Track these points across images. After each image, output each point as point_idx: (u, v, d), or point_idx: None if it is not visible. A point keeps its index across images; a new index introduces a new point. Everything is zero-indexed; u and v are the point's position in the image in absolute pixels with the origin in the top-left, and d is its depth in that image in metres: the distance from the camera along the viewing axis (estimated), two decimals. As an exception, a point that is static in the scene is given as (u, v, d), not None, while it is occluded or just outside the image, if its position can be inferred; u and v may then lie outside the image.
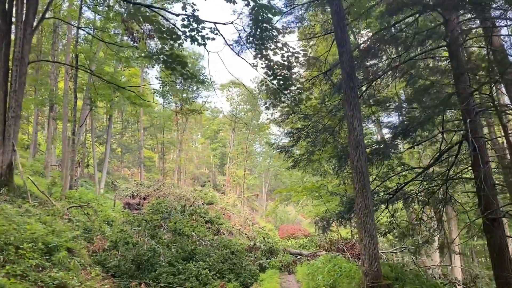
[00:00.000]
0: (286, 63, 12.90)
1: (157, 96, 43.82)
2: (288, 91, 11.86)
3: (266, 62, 12.25)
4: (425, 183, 13.55)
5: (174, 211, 22.98)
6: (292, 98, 11.74)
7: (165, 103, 56.67)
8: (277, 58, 12.96)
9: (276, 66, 11.88)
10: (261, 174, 67.98)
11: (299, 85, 12.33)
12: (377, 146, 11.85)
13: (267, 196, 67.04)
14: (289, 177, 55.10)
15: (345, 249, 19.94)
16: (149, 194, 34.68)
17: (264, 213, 59.13)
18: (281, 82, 11.78)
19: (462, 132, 12.42)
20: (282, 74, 11.74)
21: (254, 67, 12.75)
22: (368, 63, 12.70)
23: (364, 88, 13.50)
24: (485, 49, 12.78)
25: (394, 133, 11.72)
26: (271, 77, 11.88)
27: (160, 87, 32.74)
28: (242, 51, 13.09)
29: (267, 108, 13.75)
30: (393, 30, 12.66)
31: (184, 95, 49.58)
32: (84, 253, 14.29)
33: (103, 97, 26.83)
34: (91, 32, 24.84)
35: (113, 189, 38.79)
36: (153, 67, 39.75)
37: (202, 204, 36.52)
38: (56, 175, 27.23)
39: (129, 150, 44.35)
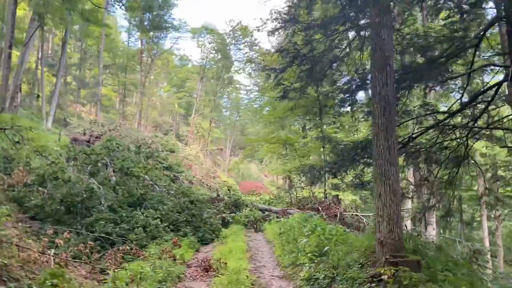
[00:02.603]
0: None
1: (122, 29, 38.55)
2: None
3: None
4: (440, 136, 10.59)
5: (127, 151, 19.18)
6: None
7: (129, 41, 51.17)
8: None
9: None
10: (227, 128, 64.46)
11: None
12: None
13: (231, 151, 63.93)
14: (257, 134, 52.02)
15: (320, 209, 17.11)
16: (103, 133, 30.40)
17: (227, 168, 56.16)
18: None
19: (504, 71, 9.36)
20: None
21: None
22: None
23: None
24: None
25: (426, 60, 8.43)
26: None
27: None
28: None
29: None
30: None
31: (151, 33, 44.34)
32: (-6, 186, 10.50)
33: (52, 10, 21.84)
34: None
35: (65, 126, 34.15)
36: None
37: (162, 150, 32.88)
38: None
39: (86, 85, 39.23)
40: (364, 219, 16.01)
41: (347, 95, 9.66)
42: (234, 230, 14.68)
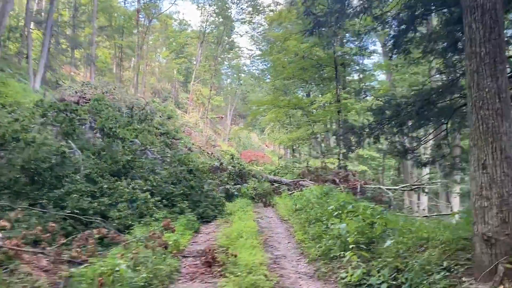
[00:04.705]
0: None
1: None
2: None
3: None
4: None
5: (117, 113, 16.45)
6: None
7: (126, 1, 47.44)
8: None
9: None
10: (228, 95, 61.36)
11: None
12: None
13: (232, 120, 61.12)
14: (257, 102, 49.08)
15: (336, 181, 14.59)
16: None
17: (227, 136, 53.57)
18: None
19: None
20: None
21: None
22: None
23: None
24: None
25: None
26: None
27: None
28: None
29: None
30: None
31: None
32: None
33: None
34: None
35: (56, 88, 31.16)
36: None
37: (160, 116, 30.20)
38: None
39: (78, 45, 35.94)
40: (390, 193, 13.52)
41: (405, 26, 6.82)
42: (241, 205, 12.17)
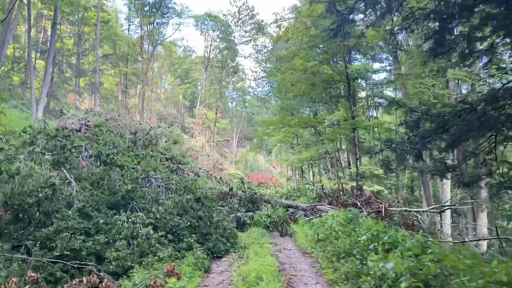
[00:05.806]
0: None
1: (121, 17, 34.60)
2: None
3: None
4: None
5: (120, 138, 15.31)
6: None
7: (129, 29, 47.25)
8: None
9: None
10: (234, 118, 60.48)
11: None
12: None
13: (238, 142, 60.06)
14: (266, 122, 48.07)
15: (358, 204, 13.20)
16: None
17: (234, 159, 52.40)
18: None
19: None
20: None
21: None
22: None
23: None
24: None
25: None
26: None
27: None
28: None
29: None
30: None
31: (151, 18, 40.28)
32: None
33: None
34: None
35: (59, 116, 30.31)
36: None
37: (166, 141, 29.16)
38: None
39: (82, 73, 35.31)
40: (419, 216, 12.09)
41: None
42: (255, 236, 10.78)
